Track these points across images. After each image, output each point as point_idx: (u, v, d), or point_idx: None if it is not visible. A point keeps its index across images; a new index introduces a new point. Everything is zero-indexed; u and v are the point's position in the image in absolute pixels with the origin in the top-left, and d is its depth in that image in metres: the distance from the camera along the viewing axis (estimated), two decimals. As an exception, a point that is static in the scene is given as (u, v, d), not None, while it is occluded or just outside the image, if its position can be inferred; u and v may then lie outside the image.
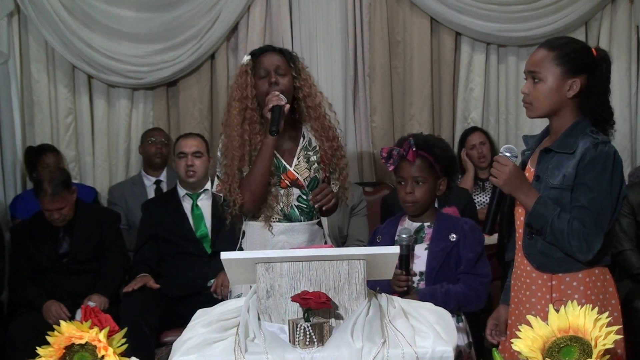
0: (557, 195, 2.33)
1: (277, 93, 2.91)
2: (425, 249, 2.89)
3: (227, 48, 5.14)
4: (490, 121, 5.28)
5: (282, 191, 2.99)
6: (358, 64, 5.11)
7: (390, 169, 2.95)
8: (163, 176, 4.96)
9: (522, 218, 2.43)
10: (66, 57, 5.01)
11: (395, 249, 2.13)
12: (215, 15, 5.02)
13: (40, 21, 4.92)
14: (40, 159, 4.77)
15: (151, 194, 4.85)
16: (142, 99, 5.18)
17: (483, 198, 4.81)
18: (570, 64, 2.34)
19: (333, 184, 3.10)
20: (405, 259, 2.84)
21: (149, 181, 4.94)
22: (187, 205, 4.27)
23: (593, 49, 2.43)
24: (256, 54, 3.05)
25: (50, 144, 4.99)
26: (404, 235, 2.86)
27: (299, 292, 1.99)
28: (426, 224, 2.94)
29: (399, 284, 2.80)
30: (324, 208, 2.99)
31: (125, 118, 5.16)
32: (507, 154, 2.41)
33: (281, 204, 2.99)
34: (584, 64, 2.36)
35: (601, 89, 2.40)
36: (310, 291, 1.99)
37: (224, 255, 2.06)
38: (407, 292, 2.81)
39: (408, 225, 2.95)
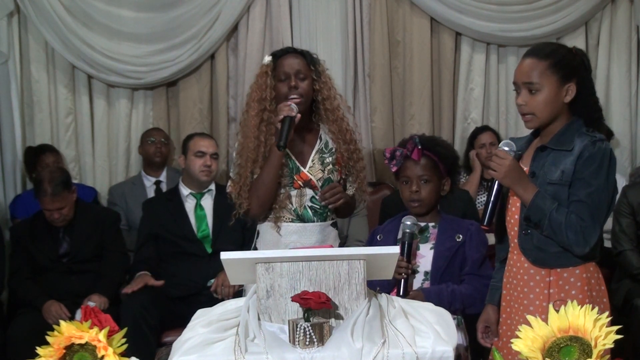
0: (554, 191, 2.36)
1: (288, 103, 2.91)
2: (431, 249, 2.89)
3: (227, 48, 5.14)
4: (490, 121, 5.28)
5: (294, 192, 2.99)
6: (358, 64, 5.11)
7: (393, 170, 2.95)
8: (163, 176, 4.96)
9: (516, 216, 2.45)
10: (66, 57, 5.01)
11: (395, 249, 2.13)
12: (215, 15, 5.02)
13: (40, 21, 4.92)
14: (39, 159, 4.77)
15: (151, 194, 4.85)
16: (142, 99, 5.19)
17: (488, 198, 4.80)
18: (564, 70, 2.37)
19: (350, 186, 3.10)
20: (408, 246, 2.83)
21: (149, 181, 4.94)
22: (189, 205, 4.26)
23: (573, 50, 2.45)
24: (277, 55, 3.05)
25: (50, 144, 4.99)
26: (408, 222, 2.84)
27: (299, 292, 1.99)
28: (431, 224, 2.94)
29: (398, 270, 2.76)
30: (330, 206, 2.99)
31: (125, 118, 5.16)
32: (506, 149, 2.43)
33: (294, 204, 2.99)
34: (575, 68, 2.39)
35: (591, 88, 2.45)
36: (310, 291, 1.98)
37: (224, 255, 2.06)
38: (406, 280, 2.79)
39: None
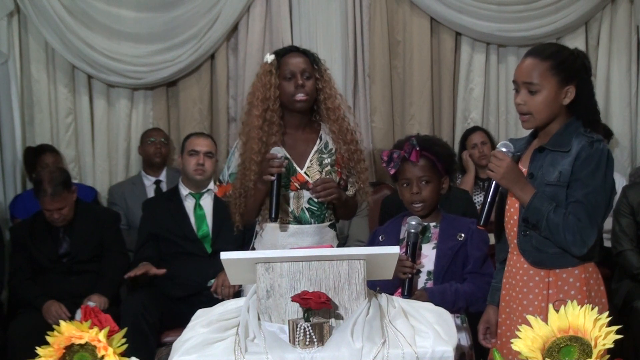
0: (552, 192, 2.35)
1: (280, 156, 2.89)
2: (433, 248, 2.88)
3: (227, 48, 5.15)
4: (490, 121, 5.28)
5: (292, 194, 2.99)
6: (358, 64, 5.11)
7: (391, 173, 2.93)
8: (163, 176, 4.96)
9: (515, 217, 2.45)
10: (66, 57, 5.01)
11: (395, 249, 2.13)
12: (215, 15, 5.02)
13: (40, 21, 4.93)
14: (39, 159, 4.78)
15: (151, 194, 4.85)
16: (142, 99, 5.19)
17: (483, 198, 4.81)
18: (565, 72, 2.37)
19: (351, 187, 3.10)
20: (413, 246, 2.82)
21: (149, 181, 4.95)
22: (189, 204, 4.25)
23: (574, 52, 2.45)
24: (280, 54, 3.04)
25: (50, 144, 5.00)
26: (413, 222, 2.82)
27: (299, 292, 1.99)
28: (432, 224, 2.93)
29: (403, 270, 2.74)
30: (320, 199, 2.98)
31: (125, 118, 5.16)
32: (504, 149, 2.43)
33: (291, 206, 2.98)
34: (576, 70, 2.39)
35: (590, 90, 2.45)
36: (310, 291, 1.98)
37: (224, 255, 2.06)
38: (411, 280, 2.79)
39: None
